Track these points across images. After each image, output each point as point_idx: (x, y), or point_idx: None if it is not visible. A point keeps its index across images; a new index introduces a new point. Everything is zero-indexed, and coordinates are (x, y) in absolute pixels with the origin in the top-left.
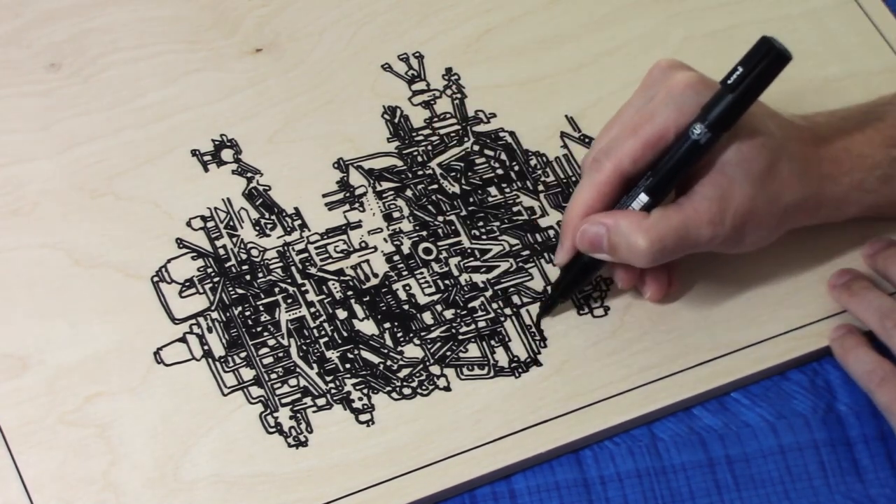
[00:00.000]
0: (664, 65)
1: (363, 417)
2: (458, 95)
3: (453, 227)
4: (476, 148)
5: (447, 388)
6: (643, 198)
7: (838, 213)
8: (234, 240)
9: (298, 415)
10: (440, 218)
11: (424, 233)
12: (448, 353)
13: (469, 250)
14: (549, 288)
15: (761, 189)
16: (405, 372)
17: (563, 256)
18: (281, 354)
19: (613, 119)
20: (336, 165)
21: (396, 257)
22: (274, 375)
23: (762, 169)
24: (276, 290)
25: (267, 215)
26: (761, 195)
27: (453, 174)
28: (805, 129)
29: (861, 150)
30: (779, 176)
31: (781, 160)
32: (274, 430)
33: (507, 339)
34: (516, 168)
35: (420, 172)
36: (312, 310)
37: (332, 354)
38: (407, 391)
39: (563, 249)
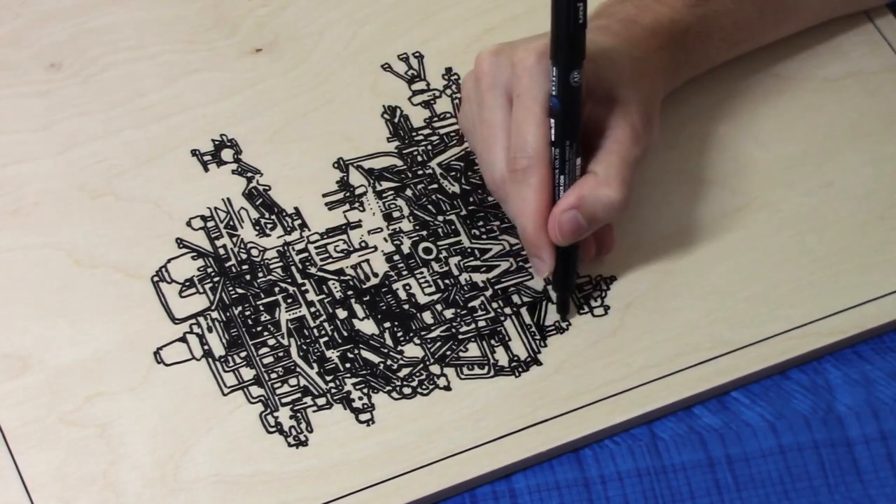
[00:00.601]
0: (488, 58)
1: (363, 417)
2: (458, 95)
3: (453, 227)
4: None
5: (447, 388)
6: (579, 162)
7: (676, 78)
8: (235, 240)
9: (298, 414)
10: (440, 217)
11: (424, 232)
12: (448, 353)
13: (469, 250)
14: (550, 290)
15: (641, 91)
16: (405, 371)
17: (547, 267)
18: (281, 354)
19: (488, 136)
20: (336, 165)
21: (396, 257)
22: (274, 375)
23: (632, 74)
24: (276, 289)
25: (267, 215)
26: (643, 95)
27: (453, 174)
28: (615, 24)
29: (670, 17)
30: (643, 72)
31: (632, 59)
32: (274, 429)
33: (507, 339)
34: None
35: (420, 172)
36: (312, 309)
37: (333, 354)
38: (407, 391)
39: (544, 261)
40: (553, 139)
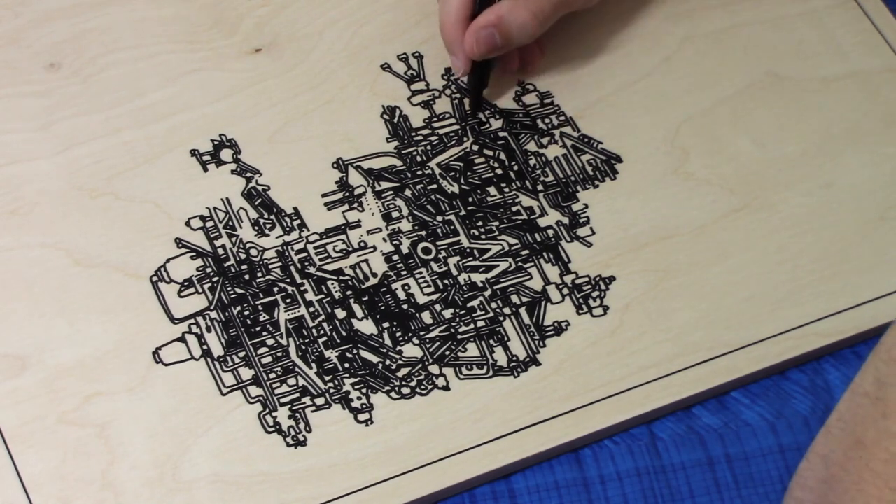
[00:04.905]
0: None
1: (362, 417)
2: (458, 95)
3: (452, 227)
4: (475, 148)
5: (446, 388)
6: None
7: None
8: (233, 239)
9: (297, 414)
10: (439, 218)
11: (423, 232)
12: (447, 353)
13: (468, 250)
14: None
15: None
16: (404, 371)
17: (462, 67)
18: (280, 354)
19: None
20: (335, 165)
21: (395, 257)
22: (273, 375)
23: None
24: (275, 289)
25: (266, 215)
26: None
27: (452, 174)
28: None
29: None
30: None
31: None
32: (273, 429)
33: (506, 339)
34: (515, 168)
35: (419, 172)
36: (311, 309)
37: (331, 354)
38: (406, 391)
39: (459, 61)
40: None
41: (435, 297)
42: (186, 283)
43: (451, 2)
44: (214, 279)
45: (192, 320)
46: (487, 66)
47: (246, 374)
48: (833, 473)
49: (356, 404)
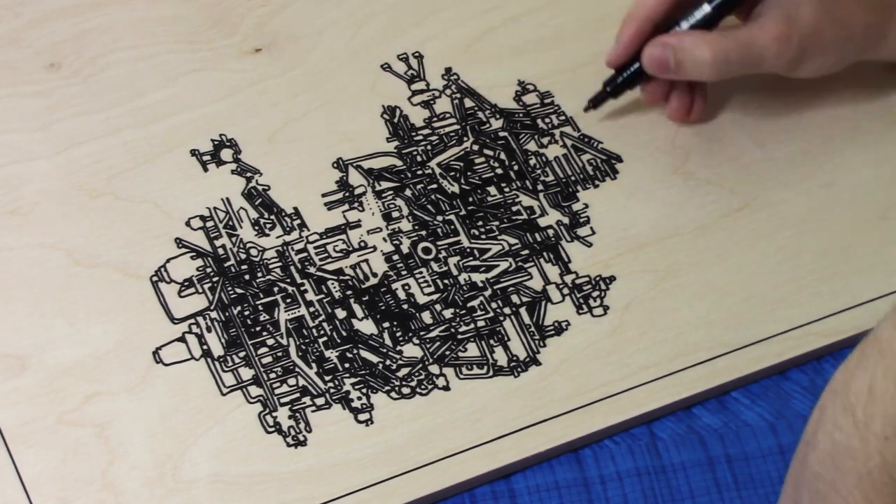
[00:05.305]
0: None
1: (362, 417)
2: (458, 95)
3: (452, 227)
4: (475, 147)
5: (446, 388)
6: (706, 7)
7: (881, 48)
8: (234, 239)
9: (297, 414)
10: (439, 217)
11: (424, 232)
12: (447, 353)
13: (468, 250)
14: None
15: (826, 13)
16: (404, 371)
17: (616, 58)
18: (280, 354)
19: None
20: (335, 165)
21: (396, 257)
22: (273, 375)
23: (829, 5)
24: (276, 289)
25: (266, 215)
26: (826, 18)
27: (453, 174)
28: None
29: None
30: (843, 1)
31: (843, 8)
32: (273, 429)
33: (506, 339)
34: (516, 168)
35: (419, 172)
36: (311, 309)
37: (331, 354)
38: (406, 390)
39: (617, 50)
40: None
41: (435, 296)
42: (186, 283)
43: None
44: (214, 279)
45: (193, 320)
46: (635, 79)
47: (246, 374)
48: None
49: (356, 404)
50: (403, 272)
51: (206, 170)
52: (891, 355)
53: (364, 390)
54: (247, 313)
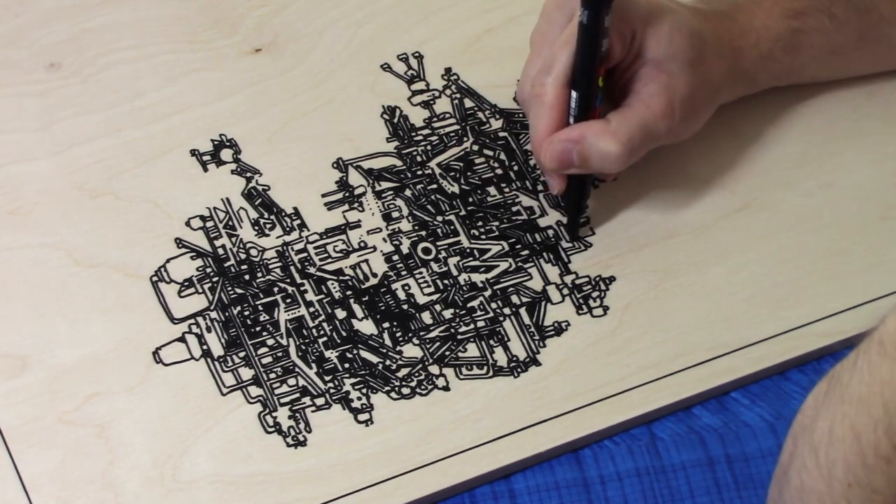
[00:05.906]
0: None
1: (362, 417)
2: (458, 95)
3: (452, 227)
4: (475, 148)
5: (446, 388)
6: (573, 94)
7: (753, 85)
8: (234, 239)
9: (297, 414)
10: (439, 218)
11: (423, 233)
12: (447, 353)
13: (468, 250)
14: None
15: (695, 75)
16: (404, 372)
17: (555, 185)
18: (280, 354)
19: (536, 48)
20: (335, 165)
21: (395, 257)
22: (273, 375)
23: (693, 57)
24: (275, 289)
25: (266, 215)
26: (696, 81)
27: (452, 174)
28: (709, 12)
29: (763, 23)
30: (706, 60)
31: (705, 44)
32: (273, 429)
33: (506, 339)
34: (515, 168)
35: (419, 172)
36: (311, 309)
37: (331, 354)
38: (406, 391)
39: (552, 178)
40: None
41: (435, 297)
42: (186, 283)
43: (542, 116)
44: (214, 279)
45: (192, 320)
46: (585, 184)
47: (246, 374)
48: None
49: (356, 404)
50: (403, 272)
51: (206, 170)
52: (849, 401)
53: (364, 390)
54: (247, 313)
